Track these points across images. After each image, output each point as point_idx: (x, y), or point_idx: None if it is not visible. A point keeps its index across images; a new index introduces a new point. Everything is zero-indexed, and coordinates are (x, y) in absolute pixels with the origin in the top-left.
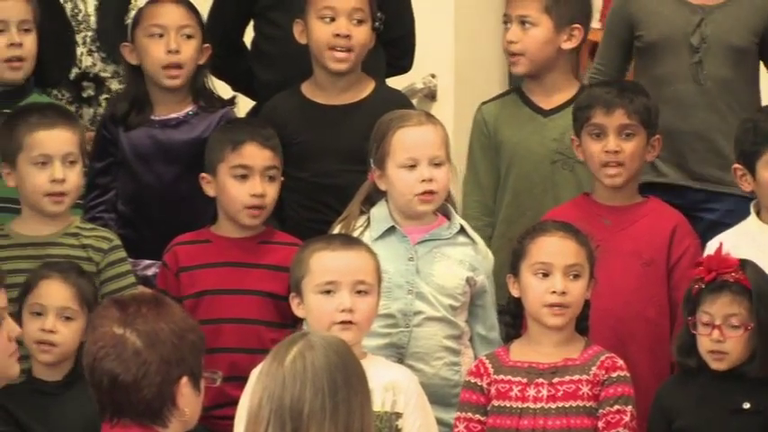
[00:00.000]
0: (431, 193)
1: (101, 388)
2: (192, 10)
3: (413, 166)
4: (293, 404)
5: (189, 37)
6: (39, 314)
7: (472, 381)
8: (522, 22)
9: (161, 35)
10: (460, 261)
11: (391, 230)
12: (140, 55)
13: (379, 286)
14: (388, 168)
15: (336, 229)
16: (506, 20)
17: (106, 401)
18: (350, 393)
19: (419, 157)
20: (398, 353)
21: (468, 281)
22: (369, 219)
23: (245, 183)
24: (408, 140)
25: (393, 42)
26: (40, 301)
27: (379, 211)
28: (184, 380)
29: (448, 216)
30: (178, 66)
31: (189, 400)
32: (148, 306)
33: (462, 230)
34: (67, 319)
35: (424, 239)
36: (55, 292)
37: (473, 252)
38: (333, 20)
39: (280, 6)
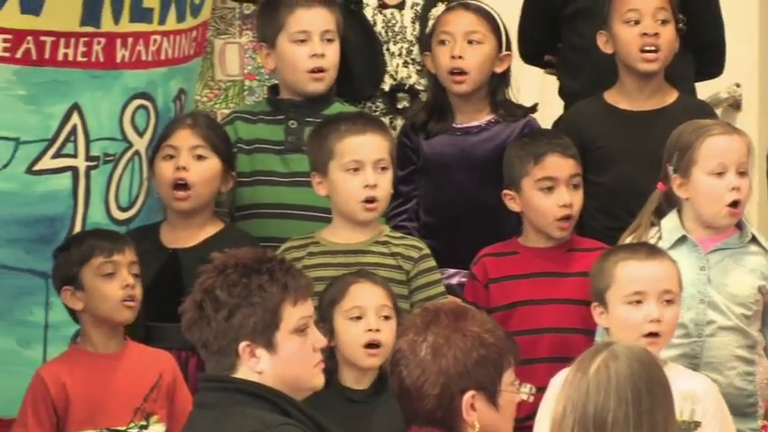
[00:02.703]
0: (737, 204)
1: (394, 392)
2: (485, 16)
3: (721, 174)
4: (597, 414)
5: (476, 43)
6: (358, 318)
7: None
8: None
9: (447, 42)
10: (752, 270)
11: (682, 240)
12: (435, 62)
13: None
14: (693, 176)
15: (627, 240)
16: None
17: (400, 407)
18: (653, 404)
19: (729, 164)
20: (692, 363)
21: (761, 289)
22: (660, 230)
23: (552, 194)
24: (718, 148)
25: (702, 49)
26: (357, 304)
27: (670, 222)
28: (470, 394)
29: (739, 225)
30: (461, 72)
31: (482, 415)
32: (447, 317)
33: (754, 239)
34: (386, 318)
35: (716, 248)
36: (371, 294)
37: (765, 261)
38: (637, 22)
39: (583, 16)
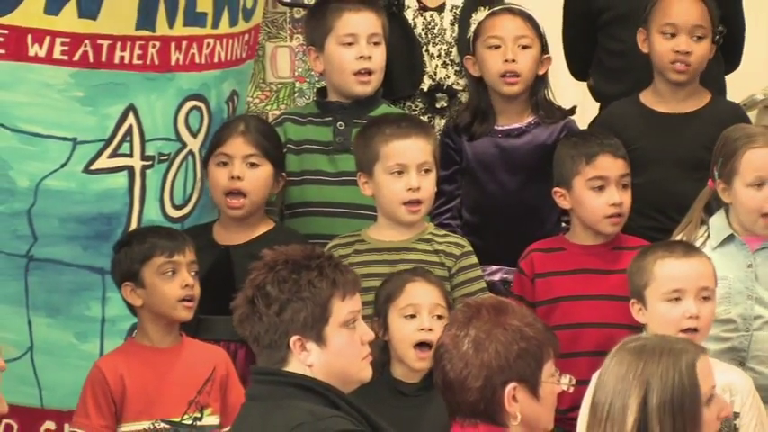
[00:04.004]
0: None
1: (438, 385)
2: (530, 20)
3: (761, 185)
4: (614, 402)
5: (526, 47)
6: (412, 316)
7: None
8: None
9: (498, 46)
10: None
11: (730, 238)
12: (480, 66)
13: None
14: (734, 184)
15: (678, 237)
16: None
17: (444, 399)
18: (683, 397)
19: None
20: (739, 356)
21: None
22: (708, 228)
23: (602, 194)
24: (758, 161)
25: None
26: (412, 302)
27: (718, 221)
28: (512, 386)
29: None
30: (515, 74)
31: (524, 406)
32: (488, 311)
33: None
34: (439, 317)
35: (763, 247)
36: (425, 293)
37: None
38: (674, 36)
39: (620, 21)
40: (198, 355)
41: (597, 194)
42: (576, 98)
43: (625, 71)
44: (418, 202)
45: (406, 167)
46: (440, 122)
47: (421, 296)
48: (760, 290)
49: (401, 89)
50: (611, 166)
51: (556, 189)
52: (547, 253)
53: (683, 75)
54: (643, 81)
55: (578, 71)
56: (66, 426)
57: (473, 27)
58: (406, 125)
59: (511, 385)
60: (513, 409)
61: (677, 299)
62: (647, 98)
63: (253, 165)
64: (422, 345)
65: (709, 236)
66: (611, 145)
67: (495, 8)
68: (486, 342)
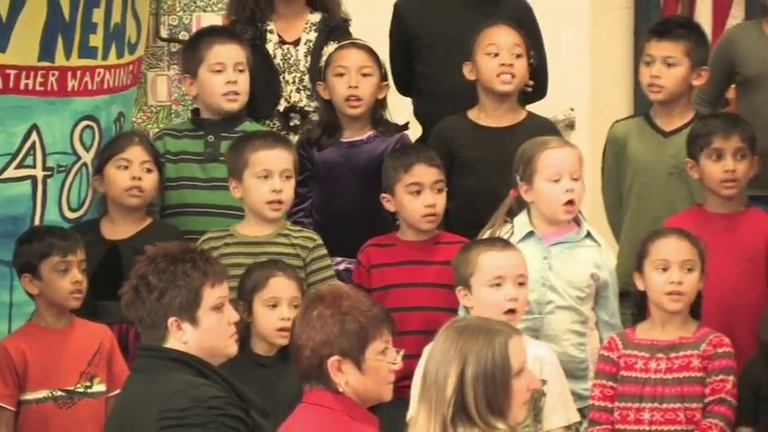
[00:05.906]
0: (572, 203)
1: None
2: (371, 53)
3: (557, 180)
4: (440, 371)
5: (367, 75)
6: (274, 306)
7: (605, 354)
8: (667, 63)
9: (344, 74)
10: (586, 260)
11: (530, 234)
12: (330, 91)
13: None
14: (535, 183)
15: (486, 235)
16: (650, 60)
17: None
18: (495, 371)
19: (563, 172)
20: (534, 335)
21: (593, 276)
22: (513, 227)
23: (419, 197)
24: (553, 159)
25: (531, 74)
26: (275, 295)
27: (521, 219)
28: (334, 358)
29: (578, 222)
30: (358, 98)
31: (350, 378)
32: (328, 296)
33: (589, 235)
34: (295, 306)
35: (557, 242)
36: (285, 287)
37: (598, 252)
38: (497, 55)
39: (428, 48)
40: (86, 333)
41: (415, 198)
42: (410, 115)
43: (433, 93)
44: (280, 202)
45: (271, 173)
46: (293, 138)
47: (282, 290)
48: (553, 279)
49: (262, 109)
50: (425, 173)
51: (383, 195)
52: (381, 247)
53: (508, 85)
54: (447, 103)
55: (403, 90)
56: None
57: (324, 58)
58: (272, 138)
59: (334, 358)
60: (339, 379)
61: (498, 284)
62: (473, 114)
63: (149, 170)
64: (283, 330)
65: (512, 233)
66: (426, 156)
67: (343, 42)
68: (317, 321)
